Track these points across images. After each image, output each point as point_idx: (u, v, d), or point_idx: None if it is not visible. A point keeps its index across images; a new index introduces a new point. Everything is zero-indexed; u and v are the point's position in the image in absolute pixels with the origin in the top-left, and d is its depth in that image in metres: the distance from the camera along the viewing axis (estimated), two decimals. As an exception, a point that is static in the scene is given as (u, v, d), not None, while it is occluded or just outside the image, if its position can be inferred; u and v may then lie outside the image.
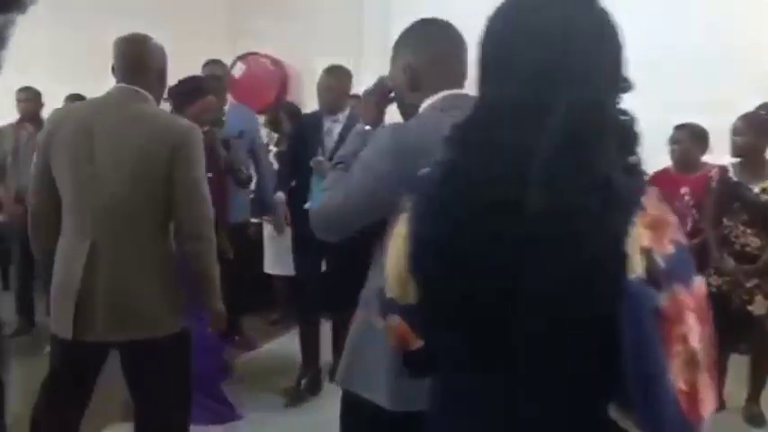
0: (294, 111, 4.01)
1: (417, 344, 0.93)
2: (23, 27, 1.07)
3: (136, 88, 1.79)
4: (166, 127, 1.81)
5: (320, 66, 3.06)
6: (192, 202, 1.78)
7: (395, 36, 1.35)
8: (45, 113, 4.09)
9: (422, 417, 1.02)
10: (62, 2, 4.82)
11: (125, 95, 1.80)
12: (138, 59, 1.81)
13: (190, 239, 1.79)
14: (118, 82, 1.82)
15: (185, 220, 1.78)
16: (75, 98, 3.82)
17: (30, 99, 4.15)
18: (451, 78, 1.27)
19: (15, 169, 4.10)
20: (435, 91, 1.26)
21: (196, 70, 3.26)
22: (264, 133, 4.16)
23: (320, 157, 2.77)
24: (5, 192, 4.14)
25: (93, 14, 5.02)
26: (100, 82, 2.01)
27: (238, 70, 5.07)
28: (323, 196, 1.32)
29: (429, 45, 1.30)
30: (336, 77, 2.96)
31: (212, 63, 3.46)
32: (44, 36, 4.43)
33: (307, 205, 3.05)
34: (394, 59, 1.34)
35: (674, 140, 3.02)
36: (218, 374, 2.96)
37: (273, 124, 4.27)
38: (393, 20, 4.07)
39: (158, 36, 1.92)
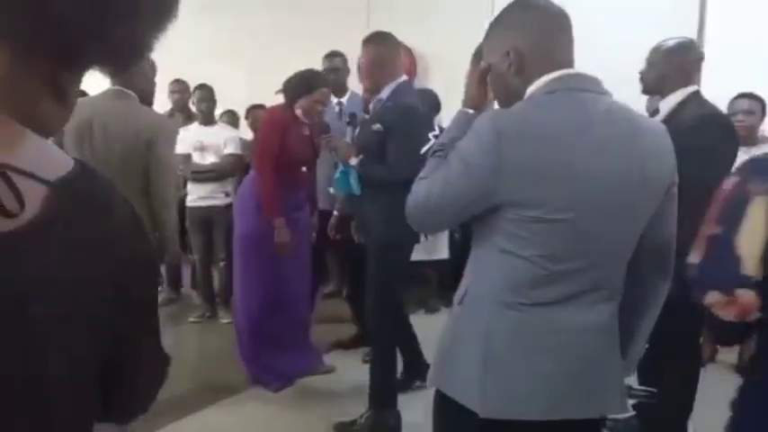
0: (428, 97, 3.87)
1: (755, 316, 1.03)
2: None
3: (121, 88, 2.43)
4: (143, 120, 2.47)
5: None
6: (160, 174, 2.45)
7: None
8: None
9: (514, 425, 1.14)
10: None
11: (113, 94, 2.42)
12: None
13: (154, 198, 2.46)
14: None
15: (153, 185, 2.46)
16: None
17: (180, 90, 4.62)
18: (554, 62, 1.20)
19: None
20: (540, 75, 1.19)
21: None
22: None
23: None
24: None
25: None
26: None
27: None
28: (420, 186, 1.25)
29: (534, 28, 1.22)
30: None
31: (332, 55, 3.70)
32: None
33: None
34: (491, 42, 1.27)
35: None
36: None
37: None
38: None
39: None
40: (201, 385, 3.25)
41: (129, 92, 2.46)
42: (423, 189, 1.23)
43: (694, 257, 1.12)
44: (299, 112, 3.03)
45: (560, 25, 1.24)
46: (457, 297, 1.29)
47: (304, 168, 3.24)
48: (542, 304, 1.16)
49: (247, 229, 3.19)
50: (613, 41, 4.03)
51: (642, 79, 2.50)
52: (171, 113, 4.65)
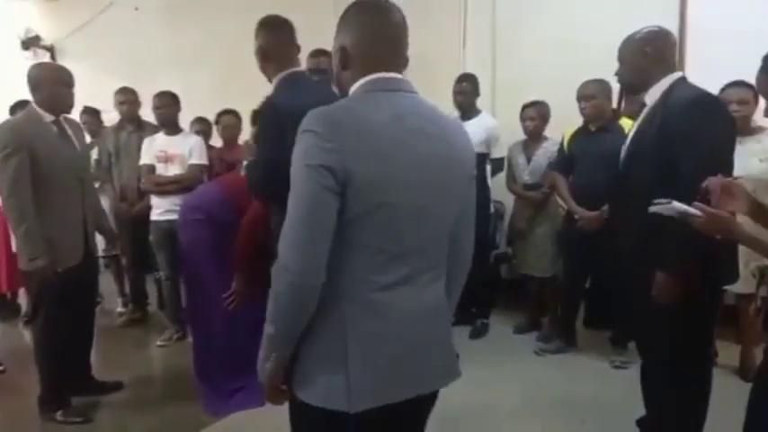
0: None
1: None
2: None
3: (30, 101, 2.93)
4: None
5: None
6: None
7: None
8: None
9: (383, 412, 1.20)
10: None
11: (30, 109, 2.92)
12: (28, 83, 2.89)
13: None
14: None
15: None
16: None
17: (129, 101, 4.35)
18: (382, 62, 1.27)
19: (117, 167, 4.36)
20: (361, 75, 1.27)
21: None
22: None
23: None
24: (110, 189, 4.41)
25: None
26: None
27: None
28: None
29: (359, 31, 1.29)
30: None
31: (318, 53, 3.35)
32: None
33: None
34: (335, 36, 1.34)
35: None
36: None
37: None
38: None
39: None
40: (168, 420, 3.03)
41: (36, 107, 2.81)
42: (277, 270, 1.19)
43: None
44: None
45: (387, 31, 1.29)
46: None
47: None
48: (386, 288, 1.22)
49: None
50: (591, 37, 3.90)
51: (620, 80, 2.35)
52: (120, 124, 4.44)
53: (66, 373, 3.07)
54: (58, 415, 3.00)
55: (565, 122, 3.74)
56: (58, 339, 2.97)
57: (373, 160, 1.16)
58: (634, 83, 2.28)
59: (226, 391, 3.04)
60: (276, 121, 2.15)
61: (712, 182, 1.62)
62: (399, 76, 1.29)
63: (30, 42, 7.18)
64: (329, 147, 1.14)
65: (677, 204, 1.59)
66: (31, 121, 2.87)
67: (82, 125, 4.78)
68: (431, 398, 1.39)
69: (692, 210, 1.55)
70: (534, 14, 4.59)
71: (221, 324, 3.02)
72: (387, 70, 1.27)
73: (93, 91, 4.56)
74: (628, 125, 3.16)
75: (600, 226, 3.29)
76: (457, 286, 1.46)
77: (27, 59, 6.65)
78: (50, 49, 7.24)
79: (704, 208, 1.54)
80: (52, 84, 2.88)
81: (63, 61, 7.07)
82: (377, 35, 1.28)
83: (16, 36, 7.19)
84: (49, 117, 2.90)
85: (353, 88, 1.29)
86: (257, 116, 2.46)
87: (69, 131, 3.01)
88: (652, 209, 1.64)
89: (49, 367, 2.99)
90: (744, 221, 1.60)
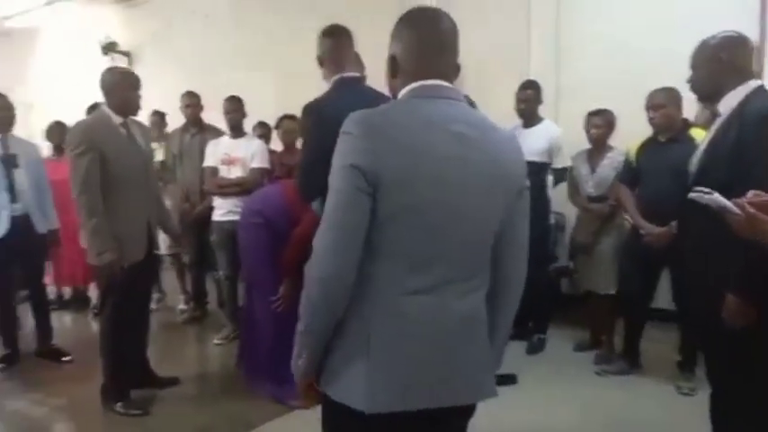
0: None
1: None
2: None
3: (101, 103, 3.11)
4: None
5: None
6: None
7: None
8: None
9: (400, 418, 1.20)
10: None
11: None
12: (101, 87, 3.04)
13: None
14: None
15: None
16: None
17: (192, 104, 4.52)
18: (428, 70, 1.28)
19: (181, 169, 4.52)
20: (411, 81, 1.29)
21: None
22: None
23: None
24: (174, 189, 4.58)
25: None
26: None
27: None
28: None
29: (407, 37, 1.31)
30: None
31: None
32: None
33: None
34: (388, 49, 1.37)
35: None
36: None
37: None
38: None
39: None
40: (220, 417, 3.09)
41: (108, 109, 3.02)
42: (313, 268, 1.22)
43: None
44: None
45: (434, 40, 1.30)
46: None
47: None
48: (410, 293, 1.22)
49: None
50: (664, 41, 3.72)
51: (692, 87, 2.21)
52: (184, 127, 4.59)
53: (126, 366, 3.18)
54: (118, 406, 3.11)
55: (630, 132, 3.58)
56: (122, 332, 3.09)
57: (401, 163, 1.17)
58: (707, 91, 2.14)
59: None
60: (318, 124, 2.17)
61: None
62: (445, 83, 1.29)
63: (108, 48, 7.59)
64: (362, 148, 1.16)
65: (718, 197, 1.49)
66: (102, 122, 3.00)
67: (150, 127, 5.04)
68: (462, 412, 1.36)
69: (731, 206, 1.45)
70: (600, 19, 4.44)
71: (271, 324, 3.10)
72: (432, 78, 1.28)
73: (165, 94, 4.75)
74: (700, 136, 2.99)
75: (668, 242, 3.12)
76: (505, 304, 1.39)
77: (106, 64, 7.01)
78: (127, 55, 7.61)
79: (744, 206, 1.43)
80: (123, 88, 3.01)
81: (138, 66, 7.41)
82: (423, 44, 1.30)
83: (97, 42, 7.59)
84: (118, 119, 3.02)
85: (400, 95, 1.31)
86: (306, 111, 2.53)
87: (136, 133, 3.13)
88: (692, 195, 1.56)
89: (112, 359, 3.11)
90: None
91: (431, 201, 1.19)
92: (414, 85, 1.28)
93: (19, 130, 3.97)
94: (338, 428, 1.33)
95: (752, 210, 1.41)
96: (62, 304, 5.09)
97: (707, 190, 1.53)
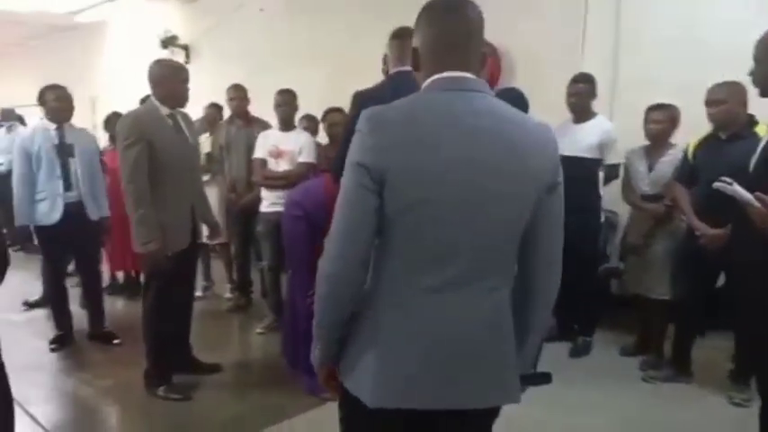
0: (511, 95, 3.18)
1: None
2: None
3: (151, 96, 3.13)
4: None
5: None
6: None
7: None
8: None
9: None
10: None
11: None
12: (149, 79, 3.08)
13: None
14: None
15: None
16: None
17: (239, 97, 4.59)
18: (449, 61, 1.24)
19: (228, 160, 4.60)
20: (432, 74, 1.25)
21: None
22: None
23: None
24: (221, 180, 4.67)
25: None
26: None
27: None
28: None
29: (427, 29, 1.27)
30: None
31: None
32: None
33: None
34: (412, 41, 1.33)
35: None
36: None
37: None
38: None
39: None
40: (257, 406, 3.13)
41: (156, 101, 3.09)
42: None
43: None
44: None
45: (454, 30, 1.25)
46: None
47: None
48: (423, 291, 1.20)
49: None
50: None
51: (754, 81, 2.07)
52: (230, 120, 4.65)
53: (168, 352, 3.26)
54: (161, 390, 3.20)
55: (690, 129, 3.40)
56: (164, 318, 3.17)
57: (410, 159, 1.15)
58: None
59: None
60: (355, 115, 2.18)
61: None
62: (467, 74, 1.24)
63: (168, 42, 7.80)
64: (369, 145, 1.16)
65: (738, 189, 1.46)
66: (150, 113, 3.07)
67: (206, 119, 5.14)
68: (484, 412, 1.32)
69: (751, 198, 1.44)
70: (662, 10, 4.22)
71: (307, 315, 3.08)
72: (454, 69, 1.24)
73: (221, 87, 4.83)
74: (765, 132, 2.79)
75: (723, 245, 2.95)
76: (535, 305, 1.31)
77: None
78: (185, 48, 7.82)
79: (765, 200, 1.45)
80: (170, 80, 3.07)
81: (196, 59, 7.61)
82: (442, 35, 1.26)
83: (156, 36, 7.83)
84: (165, 110, 3.09)
85: (422, 88, 1.28)
86: (353, 97, 2.59)
87: (182, 124, 3.19)
88: (716, 185, 1.59)
89: (154, 344, 3.19)
90: None
91: (441, 196, 1.16)
92: (435, 77, 1.24)
93: (84, 122, 4.12)
94: (351, 420, 1.35)
95: None
96: (115, 289, 5.28)
97: (728, 180, 1.50)
